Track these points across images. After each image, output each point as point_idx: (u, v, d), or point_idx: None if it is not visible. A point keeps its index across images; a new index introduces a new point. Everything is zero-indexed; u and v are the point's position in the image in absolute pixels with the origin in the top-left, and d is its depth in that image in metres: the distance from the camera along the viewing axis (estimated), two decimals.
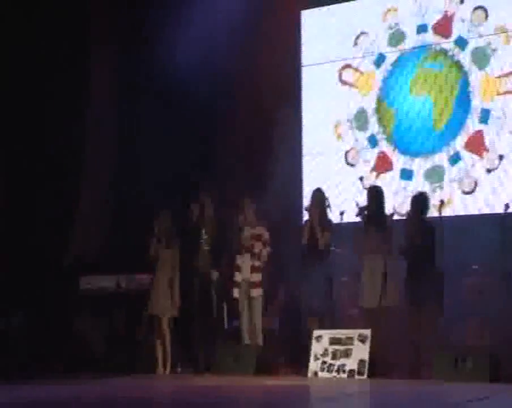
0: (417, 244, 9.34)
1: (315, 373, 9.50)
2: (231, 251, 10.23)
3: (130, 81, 12.44)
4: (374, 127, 11.62)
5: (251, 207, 10.22)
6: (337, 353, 9.41)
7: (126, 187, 12.35)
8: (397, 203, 11.10)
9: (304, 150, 11.96)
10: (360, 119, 11.66)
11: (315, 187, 10.32)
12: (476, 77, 10.98)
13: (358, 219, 9.75)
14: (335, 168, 11.72)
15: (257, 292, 10.09)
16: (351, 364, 9.28)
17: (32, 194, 11.39)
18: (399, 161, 11.42)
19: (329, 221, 10.05)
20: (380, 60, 11.65)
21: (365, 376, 9.13)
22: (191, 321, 10.28)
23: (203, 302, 10.20)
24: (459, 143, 10.95)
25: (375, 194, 9.81)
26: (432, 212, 9.81)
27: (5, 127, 11.32)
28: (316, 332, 9.64)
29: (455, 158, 10.92)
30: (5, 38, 11.13)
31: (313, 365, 9.53)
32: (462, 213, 10.75)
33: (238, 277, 10.17)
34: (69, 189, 11.74)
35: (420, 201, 9.64)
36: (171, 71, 11.13)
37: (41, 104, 11.40)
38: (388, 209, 10.10)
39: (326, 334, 9.58)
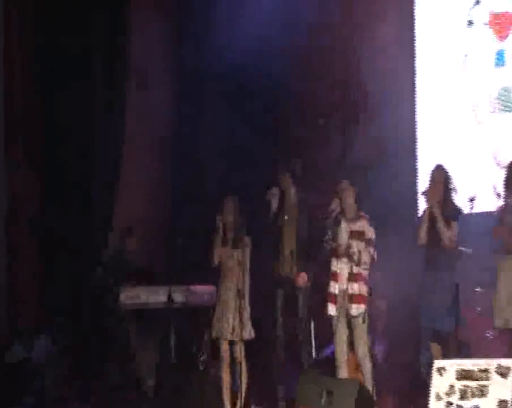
0: None
1: None
2: (324, 253, 8.74)
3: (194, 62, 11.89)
4: None
5: (351, 194, 8.53)
6: (468, 392, 7.83)
7: (182, 185, 11.77)
8: None
9: (419, 116, 10.49)
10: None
11: (434, 165, 8.76)
12: None
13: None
14: (462, 138, 10.11)
15: (358, 309, 8.39)
16: (488, 405, 7.72)
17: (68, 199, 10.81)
18: None
19: (457, 208, 8.48)
20: None
21: None
22: (271, 343, 9.00)
23: (287, 318, 8.98)
24: None
25: None
26: None
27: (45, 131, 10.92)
28: (438, 362, 8.03)
29: None
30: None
31: (435, 407, 8.01)
32: None
33: (333, 288, 8.52)
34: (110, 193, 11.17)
35: None
36: (247, 48, 10.52)
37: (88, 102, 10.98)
38: None
39: (452, 365, 7.95)
